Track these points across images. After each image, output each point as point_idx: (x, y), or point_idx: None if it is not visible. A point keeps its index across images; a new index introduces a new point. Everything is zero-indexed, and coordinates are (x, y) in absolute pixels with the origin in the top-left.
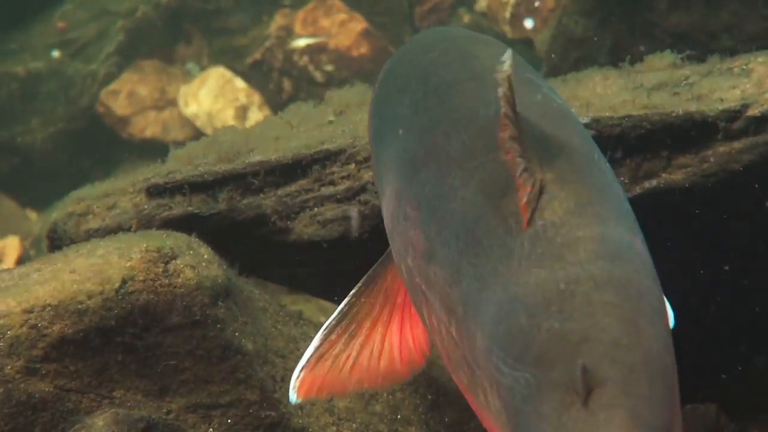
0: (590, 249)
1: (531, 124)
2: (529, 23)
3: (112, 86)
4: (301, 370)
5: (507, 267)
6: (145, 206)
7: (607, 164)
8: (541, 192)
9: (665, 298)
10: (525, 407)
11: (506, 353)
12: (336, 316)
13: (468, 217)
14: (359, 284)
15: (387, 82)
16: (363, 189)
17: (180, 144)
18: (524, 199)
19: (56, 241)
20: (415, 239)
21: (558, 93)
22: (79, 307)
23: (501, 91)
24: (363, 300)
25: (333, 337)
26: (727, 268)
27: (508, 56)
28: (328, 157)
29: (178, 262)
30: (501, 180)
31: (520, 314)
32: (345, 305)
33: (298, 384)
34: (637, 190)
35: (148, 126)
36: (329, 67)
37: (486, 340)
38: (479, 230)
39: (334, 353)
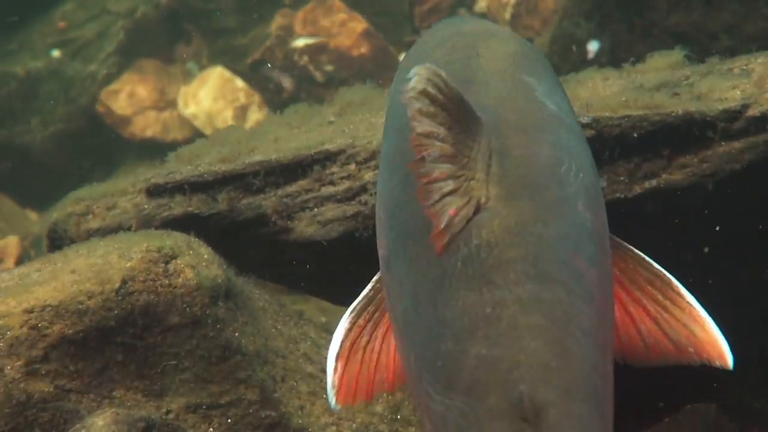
0: (520, 270)
1: (494, 135)
2: (593, 46)
3: (113, 86)
4: (336, 360)
5: (439, 288)
6: (145, 206)
7: (578, 175)
8: (477, 211)
9: (725, 339)
10: None
11: (435, 379)
12: (361, 300)
13: (415, 231)
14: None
15: (396, 76)
16: (363, 189)
17: (179, 145)
18: (441, 225)
19: (56, 241)
20: (381, 244)
21: (559, 94)
22: (79, 307)
23: (410, 112)
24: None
25: (361, 321)
26: (726, 267)
27: (414, 73)
28: (328, 158)
29: (178, 262)
30: None
31: (447, 339)
32: (370, 290)
33: (336, 383)
34: (637, 190)
35: (148, 126)
36: (329, 67)
37: (417, 362)
38: (421, 247)
39: (362, 344)
